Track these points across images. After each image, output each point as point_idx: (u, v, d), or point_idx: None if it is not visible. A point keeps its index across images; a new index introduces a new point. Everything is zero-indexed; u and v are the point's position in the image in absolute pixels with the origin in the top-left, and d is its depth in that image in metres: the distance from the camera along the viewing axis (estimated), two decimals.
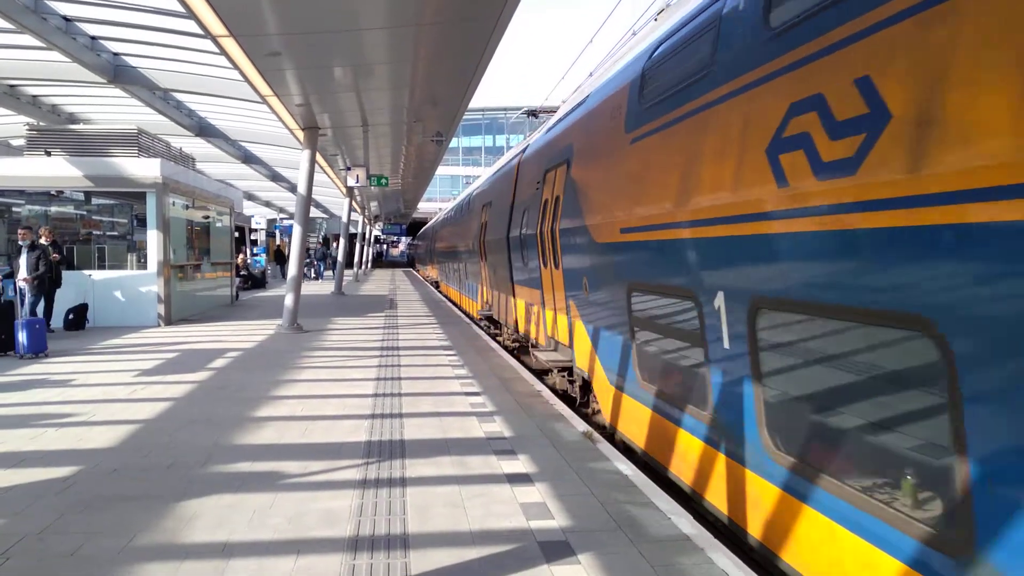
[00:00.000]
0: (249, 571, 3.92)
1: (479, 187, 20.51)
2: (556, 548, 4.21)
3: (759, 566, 4.40)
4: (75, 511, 4.80)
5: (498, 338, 15.51)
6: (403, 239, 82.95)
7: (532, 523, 4.59)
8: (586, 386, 8.69)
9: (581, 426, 7.14)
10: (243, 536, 4.39)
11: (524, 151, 13.13)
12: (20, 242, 12.52)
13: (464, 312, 20.54)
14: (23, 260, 12.35)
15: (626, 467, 5.81)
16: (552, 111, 15.04)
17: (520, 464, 5.84)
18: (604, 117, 7.44)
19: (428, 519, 4.67)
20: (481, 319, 17.64)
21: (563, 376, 9.75)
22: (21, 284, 12.22)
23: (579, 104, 9.14)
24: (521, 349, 13.52)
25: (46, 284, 12.92)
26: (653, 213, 5.74)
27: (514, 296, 12.97)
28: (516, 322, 13.12)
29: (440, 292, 30.38)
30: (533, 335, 11.56)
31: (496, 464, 5.84)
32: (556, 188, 9.21)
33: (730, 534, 4.81)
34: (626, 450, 6.97)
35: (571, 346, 8.84)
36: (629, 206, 6.34)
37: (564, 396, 9.42)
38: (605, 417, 7.55)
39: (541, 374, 10.86)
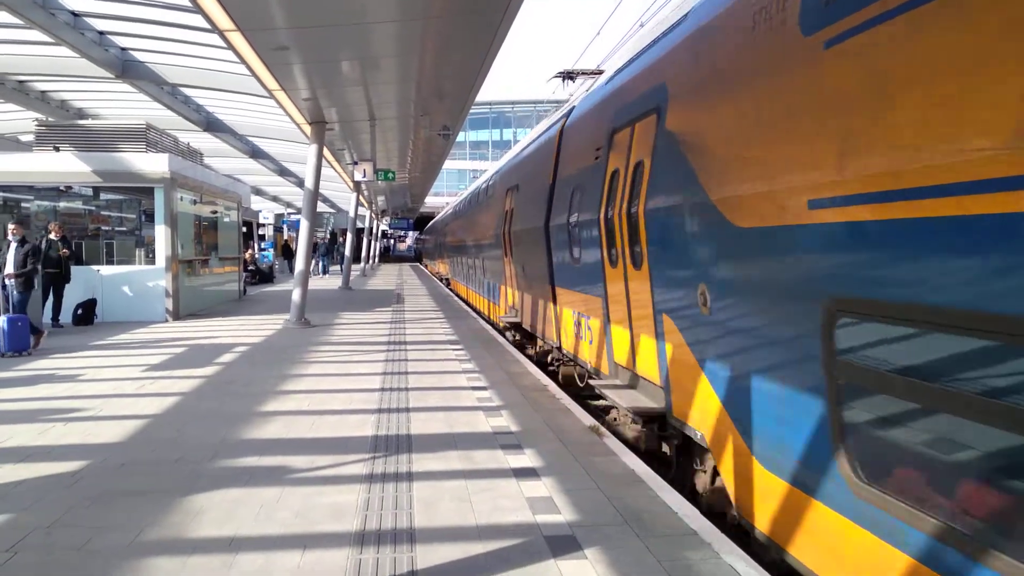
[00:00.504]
0: (256, 565, 3.93)
1: (502, 168, 17.33)
2: (563, 543, 4.20)
3: (766, 562, 4.37)
4: (83, 505, 4.82)
5: (528, 351, 12.82)
6: (410, 233, 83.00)
7: (538, 517, 4.58)
8: (685, 443, 5.99)
9: (588, 420, 7.13)
10: (250, 530, 4.40)
11: (569, 114, 10.29)
12: (9, 237, 12.18)
13: (480, 314, 18.44)
14: (11, 256, 12.03)
15: (633, 462, 5.79)
16: (596, 74, 12.33)
17: (527, 458, 5.83)
18: (741, 24, 4.81)
19: (435, 513, 4.66)
20: (505, 327, 14.77)
21: (647, 429, 6.44)
22: (7, 281, 11.97)
23: (674, 27, 6.37)
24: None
25: (34, 282, 12.48)
26: (927, 164, 2.93)
27: (554, 303, 10.18)
28: (558, 337, 10.21)
29: (451, 290, 27.96)
30: (587, 358, 8.68)
31: (503, 458, 5.83)
32: (636, 152, 6.54)
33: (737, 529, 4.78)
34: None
35: (666, 386, 5.98)
36: (836, 159, 3.54)
37: (641, 451, 6.43)
38: (747, 516, 4.62)
39: (579, 396, 8.79)
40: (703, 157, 5.15)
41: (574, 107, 10.29)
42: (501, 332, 14.71)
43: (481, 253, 18.48)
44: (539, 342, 12.00)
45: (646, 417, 6.38)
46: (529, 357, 11.69)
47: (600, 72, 11.80)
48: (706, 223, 5.00)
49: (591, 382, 7.94)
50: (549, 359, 11.36)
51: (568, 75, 14.46)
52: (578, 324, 9.00)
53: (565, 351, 9.97)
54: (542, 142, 11.96)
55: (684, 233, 5.41)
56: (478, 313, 18.45)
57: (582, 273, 8.51)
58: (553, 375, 10.39)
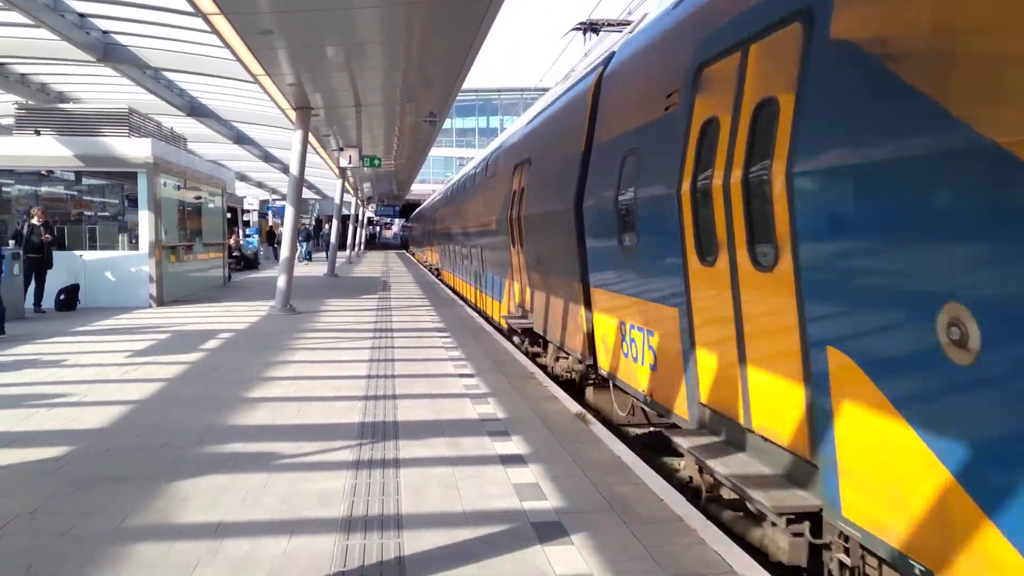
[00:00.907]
0: (242, 551, 3.92)
1: (506, 142, 14.75)
2: (549, 529, 4.22)
3: (751, 548, 4.42)
4: (67, 491, 4.78)
5: (540, 359, 10.61)
6: (396, 221, 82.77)
7: (525, 504, 4.60)
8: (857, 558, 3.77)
9: (574, 408, 7.15)
10: (236, 516, 4.39)
11: (609, 60, 8.04)
12: None
13: (470, 305, 17.38)
14: None
15: (619, 449, 5.82)
16: (623, 24, 10.37)
17: (513, 445, 5.85)
18: None
19: (421, 500, 4.67)
20: (511, 330, 12.18)
21: (793, 531, 4.03)
22: None
23: None
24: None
25: (1, 265, 12.08)
26: None
27: (588, 306, 7.95)
28: (591, 351, 8.02)
29: (442, 281, 25.77)
30: (644, 388, 6.51)
31: (490, 445, 5.85)
32: (756, 87, 4.48)
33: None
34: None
35: (828, 466, 3.78)
36: None
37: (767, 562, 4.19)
38: None
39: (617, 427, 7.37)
40: (967, 70, 2.92)
41: (613, 52, 8.10)
42: (487, 319, 14.60)
43: (480, 241, 16.09)
44: (565, 358, 9.35)
45: (788, 513, 4.02)
46: (542, 367, 9.73)
47: (629, 23, 9.93)
48: (983, 189, 2.83)
49: (673, 437, 5.35)
50: (577, 378, 8.94)
51: (591, 27, 12.18)
52: (630, 340, 6.77)
53: (603, 370, 7.73)
54: (567, 101, 9.50)
55: (905, 210, 3.23)
56: (465, 301, 18.41)
57: (640, 270, 6.39)
58: (577, 395, 8.44)
